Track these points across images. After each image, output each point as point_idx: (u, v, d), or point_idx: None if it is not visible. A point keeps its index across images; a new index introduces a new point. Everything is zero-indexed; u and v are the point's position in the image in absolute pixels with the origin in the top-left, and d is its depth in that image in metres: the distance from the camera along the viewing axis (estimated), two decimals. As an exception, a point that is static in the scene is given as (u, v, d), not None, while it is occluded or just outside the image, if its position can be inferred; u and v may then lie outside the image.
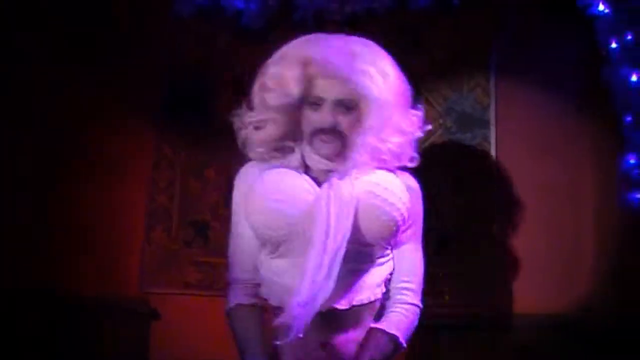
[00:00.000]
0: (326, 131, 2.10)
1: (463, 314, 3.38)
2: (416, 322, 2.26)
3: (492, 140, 3.55)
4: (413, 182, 2.24)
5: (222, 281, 3.50)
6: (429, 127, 2.29)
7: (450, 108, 3.52)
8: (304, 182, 2.14)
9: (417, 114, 2.21)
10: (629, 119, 3.35)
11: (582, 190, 3.55)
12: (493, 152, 3.54)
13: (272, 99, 2.13)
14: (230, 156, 3.48)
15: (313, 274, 1.98)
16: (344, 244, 2.01)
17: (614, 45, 3.40)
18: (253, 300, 2.25)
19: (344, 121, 2.11)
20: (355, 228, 2.06)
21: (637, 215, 3.26)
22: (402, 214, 2.13)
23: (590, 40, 3.37)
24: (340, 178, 2.11)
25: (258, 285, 2.24)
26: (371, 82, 2.08)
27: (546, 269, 3.51)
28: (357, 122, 2.13)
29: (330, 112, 2.09)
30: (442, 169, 3.05)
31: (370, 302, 2.18)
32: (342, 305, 2.11)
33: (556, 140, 3.56)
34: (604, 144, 3.45)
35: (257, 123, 2.17)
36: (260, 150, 2.20)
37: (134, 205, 3.56)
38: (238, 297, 2.25)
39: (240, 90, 3.49)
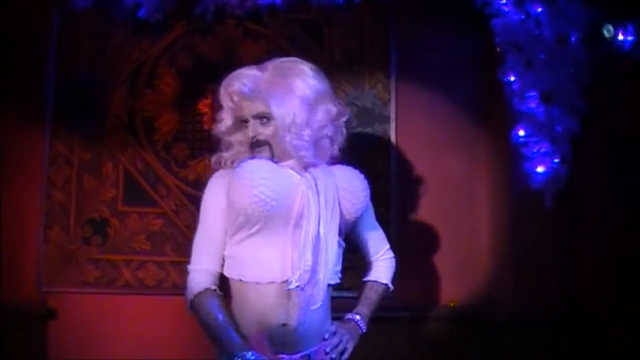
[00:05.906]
0: (254, 141, 2.47)
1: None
2: None
3: (392, 135, 3.61)
4: (361, 174, 2.61)
5: (121, 279, 3.48)
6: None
7: (351, 103, 3.57)
8: (287, 168, 2.44)
9: (329, 109, 2.52)
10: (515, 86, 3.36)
11: (477, 184, 3.66)
12: (392, 147, 3.59)
13: (220, 126, 2.56)
14: (125, 152, 3.52)
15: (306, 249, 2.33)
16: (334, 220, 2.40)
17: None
18: (217, 288, 2.43)
19: (265, 131, 2.46)
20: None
21: (528, 196, 3.33)
22: (367, 196, 2.57)
23: (485, 40, 3.47)
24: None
25: (221, 276, 2.45)
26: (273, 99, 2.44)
27: (444, 261, 3.60)
28: (276, 130, 2.46)
29: (252, 127, 2.47)
30: (342, 163, 3.06)
31: (330, 286, 2.47)
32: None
33: (452, 135, 3.67)
34: (498, 138, 3.56)
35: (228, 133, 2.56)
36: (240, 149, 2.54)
37: (27, 203, 3.45)
38: (204, 283, 2.41)
39: (136, 85, 3.50)
